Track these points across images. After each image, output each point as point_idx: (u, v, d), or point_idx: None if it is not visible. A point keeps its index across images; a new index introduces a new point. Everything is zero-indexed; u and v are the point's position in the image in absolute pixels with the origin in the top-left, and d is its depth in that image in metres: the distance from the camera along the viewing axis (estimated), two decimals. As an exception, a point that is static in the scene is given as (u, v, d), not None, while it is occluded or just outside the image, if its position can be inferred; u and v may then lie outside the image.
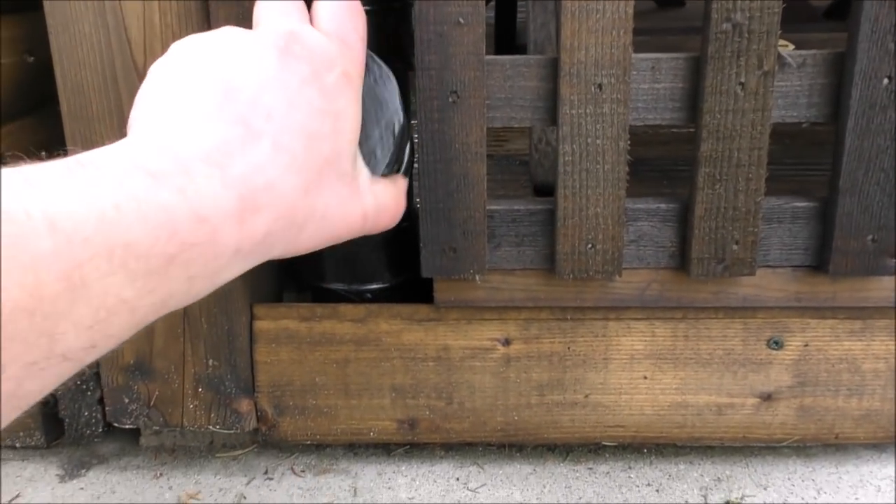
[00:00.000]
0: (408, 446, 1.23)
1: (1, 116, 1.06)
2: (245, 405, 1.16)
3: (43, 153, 1.18)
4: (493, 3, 2.08)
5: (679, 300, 1.11)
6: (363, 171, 0.58)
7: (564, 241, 1.05)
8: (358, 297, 1.18)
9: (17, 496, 1.15)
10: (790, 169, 1.57)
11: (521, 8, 2.07)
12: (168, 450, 1.25)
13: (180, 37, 1.01)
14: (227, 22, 0.98)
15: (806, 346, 1.14)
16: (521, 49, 1.77)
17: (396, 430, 1.18)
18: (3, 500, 1.14)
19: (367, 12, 1.06)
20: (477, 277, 1.07)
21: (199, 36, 0.52)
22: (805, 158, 1.61)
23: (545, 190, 1.26)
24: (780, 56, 0.99)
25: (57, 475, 1.19)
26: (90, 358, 0.37)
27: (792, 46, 1.50)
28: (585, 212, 1.04)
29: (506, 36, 2.01)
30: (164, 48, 1.00)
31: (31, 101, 1.12)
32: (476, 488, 1.16)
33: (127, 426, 1.18)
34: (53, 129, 1.09)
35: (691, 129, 1.02)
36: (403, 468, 1.20)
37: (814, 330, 1.13)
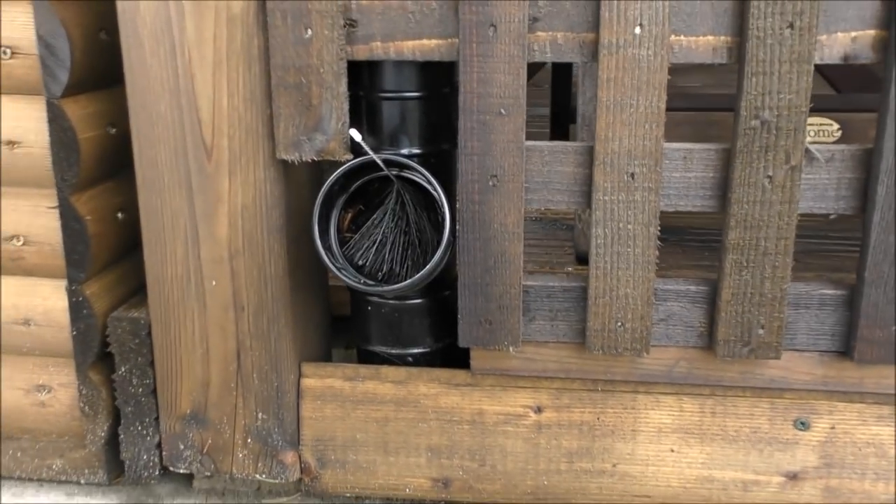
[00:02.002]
0: (442, 503, 1.29)
1: (84, 183, 1.17)
2: (290, 457, 1.24)
3: (119, 215, 1.28)
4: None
5: (707, 378, 1.15)
6: None
7: (595, 319, 1.10)
8: (400, 360, 1.24)
9: (78, 532, 1.24)
10: (833, 243, 1.60)
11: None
12: (218, 493, 1.33)
13: (245, 118, 1.10)
14: (288, 108, 1.07)
15: (833, 428, 1.16)
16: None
17: (431, 487, 1.24)
18: (65, 536, 1.23)
19: (417, 98, 1.15)
20: (511, 349, 1.13)
21: None
22: (850, 232, 1.63)
23: (587, 260, 1.31)
24: (808, 150, 1.03)
25: (115, 513, 1.28)
26: None
27: (836, 126, 1.53)
28: (616, 292, 1.09)
29: (561, 110, 2.07)
30: (230, 127, 1.10)
31: (111, 167, 1.22)
32: (505, 549, 1.20)
33: (181, 471, 1.27)
34: (130, 193, 1.19)
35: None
36: (437, 524, 1.26)
37: (841, 413, 1.15)
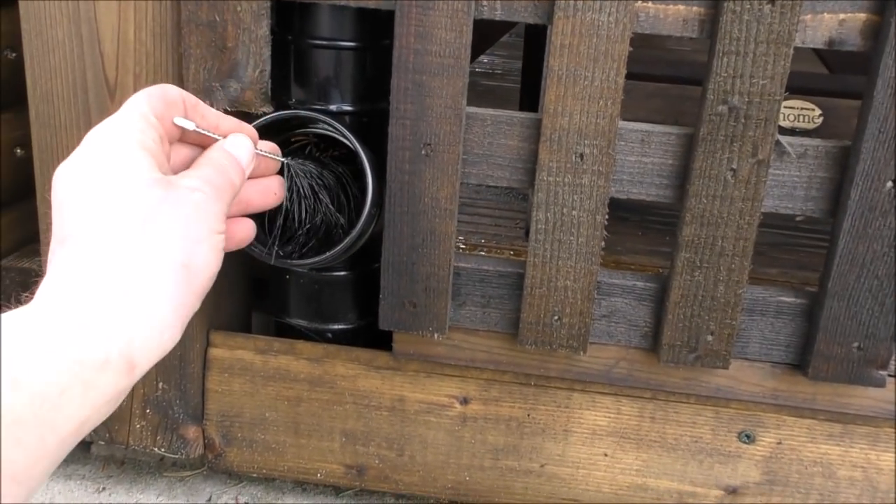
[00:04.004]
0: (358, 489, 1.20)
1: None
2: (192, 431, 1.13)
3: (18, 150, 1.15)
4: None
5: (648, 382, 1.06)
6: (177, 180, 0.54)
7: (529, 311, 1.00)
8: (318, 336, 1.14)
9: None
10: (804, 236, 1.50)
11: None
12: (117, 461, 1.23)
13: (154, 55, 0.97)
14: (199, 48, 0.94)
15: (779, 443, 1.07)
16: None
17: (344, 474, 1.15)
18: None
19: (353, 49, 1.02)
20: (436, 335, 1.03)
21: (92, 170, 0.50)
22: (821, 225, 1.53)
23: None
24: (779, 143, 0.92)
25: (-1, 477, 1.18)
26: None
27: (818, 111, 1.42)
28: (554, 283, 0.98)
29: (535, 64, 1.93)
30: (136, 65, 0.97)
31: (9, 97, 1.09)
32: (419, 545, 1.12)
33: (73, 437, 1.16)
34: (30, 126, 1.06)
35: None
36: (349, 512, 1.17)
37: (789, 428, 1.07)
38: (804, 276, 1.31)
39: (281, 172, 0.68)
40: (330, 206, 0.90)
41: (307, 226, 0.90)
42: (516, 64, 2.74)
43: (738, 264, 0.95)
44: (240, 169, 0.58)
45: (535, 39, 1.90)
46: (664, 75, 1.54)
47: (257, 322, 1.29)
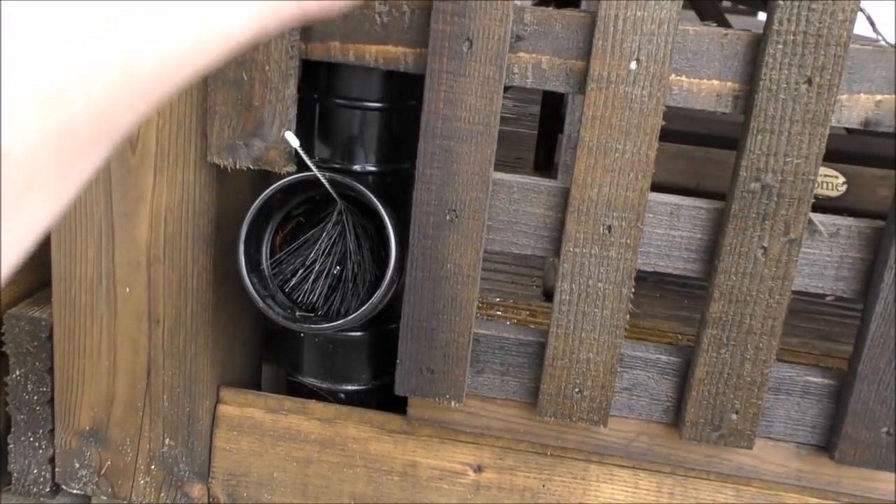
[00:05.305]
0: (364, 553, 1.16)
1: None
2: (197, 490, 1.11)
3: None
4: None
5: (668, 457, 1.03)
6: None
7: (550, 382, 0.98)
8: (331, 396, 1.11)
9: (-51, 550, 1.11)
10: (824, 304, 1.47)
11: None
12: (118, 515, 1.19)
13: (178, 110, 0.96)
14: (225, 106, 0.93)
15: (801, 525, 1.04)
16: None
17: (351, 539, 1.12)
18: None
19: (378, 109, 1.01)
20: (453, 403, 1.00)
21: None
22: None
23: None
24: (811, 221, 0.90)
25: (-3, 528, 1.15)
26: None
27: (841, 179, 1.41)
28: (577, 355, 0.96)
29: (553, 112, 1.93)
30: (160, 118, 0.95)
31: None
32: None
33: (74, 491, 1.13)
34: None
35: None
36: (354, 578, 1.13)
37: (812, 510, 1.04)
38: (826, 346, 1.29)
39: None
40: (369, 253, 0.89)
41: (338, 269, 0.89)
42: (529, 108, 2.74)
43: (766, 343, 0.93)
44: None
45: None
46: (682, 131, 1.53)
47: (267, 374, 1.27)
